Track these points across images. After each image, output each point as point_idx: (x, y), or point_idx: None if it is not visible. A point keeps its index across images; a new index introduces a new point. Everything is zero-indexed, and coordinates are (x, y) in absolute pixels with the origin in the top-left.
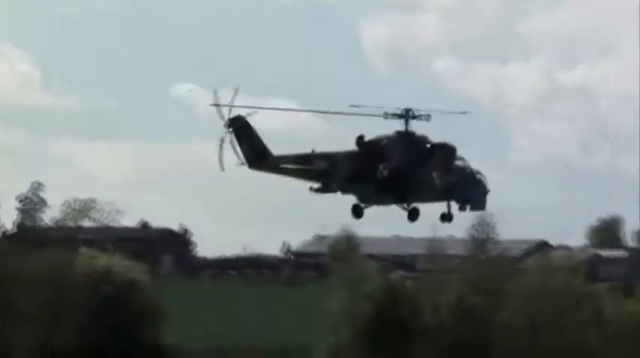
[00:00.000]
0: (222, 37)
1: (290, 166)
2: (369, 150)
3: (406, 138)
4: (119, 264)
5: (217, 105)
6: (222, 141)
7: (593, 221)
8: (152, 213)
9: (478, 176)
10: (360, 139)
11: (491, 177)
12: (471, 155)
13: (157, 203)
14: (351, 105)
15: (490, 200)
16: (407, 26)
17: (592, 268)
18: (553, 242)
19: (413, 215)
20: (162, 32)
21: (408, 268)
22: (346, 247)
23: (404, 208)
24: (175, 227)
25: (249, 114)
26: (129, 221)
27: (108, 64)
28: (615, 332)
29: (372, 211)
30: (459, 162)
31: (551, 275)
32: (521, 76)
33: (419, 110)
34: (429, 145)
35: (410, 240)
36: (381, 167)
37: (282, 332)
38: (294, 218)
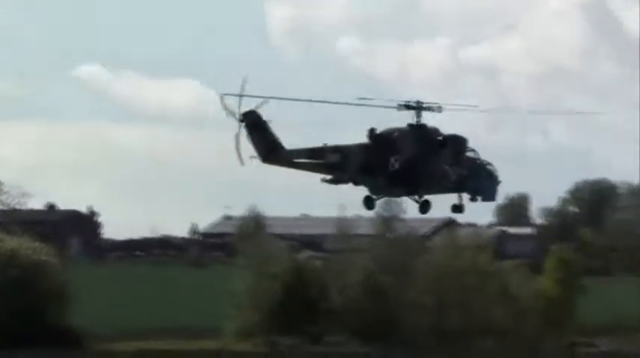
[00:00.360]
0: (124, 17)
1: (303, 160)
2: (380, 142)
3: (417, 131)
4: (26, 246)
5: (241, 95)
6: (237, 134)
7: (499, 198)
8: (58, 195)
9: (489, 167)
10: (371, 132)
11: None
12: None
13: (63, 185)
14: (359, 98)
15: None
16: (311, 5)
17: (499, 245)
18: (460, 220)
19: (424, 207)
20: (64, 13)
21: (317, 248)
22: (254, 227)
23: (415, 200)
24: (82, 209)
25: (258, 106)
26: (35, 203)
27: (9, 43)
28: (522, 309)
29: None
30: (470, 154)
31: (458, 253)
32: (425, 54)
33: (429, 103)
34: (440, 137)
35: (318, 220)
36: (392, 159)
37: (189, 314)
38: (202, 199)
